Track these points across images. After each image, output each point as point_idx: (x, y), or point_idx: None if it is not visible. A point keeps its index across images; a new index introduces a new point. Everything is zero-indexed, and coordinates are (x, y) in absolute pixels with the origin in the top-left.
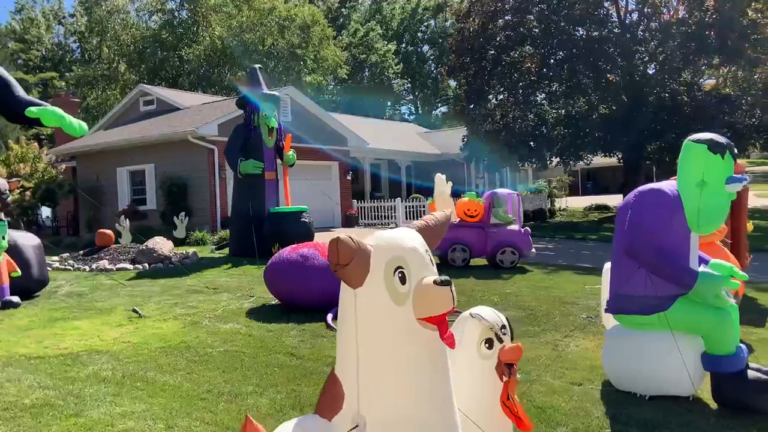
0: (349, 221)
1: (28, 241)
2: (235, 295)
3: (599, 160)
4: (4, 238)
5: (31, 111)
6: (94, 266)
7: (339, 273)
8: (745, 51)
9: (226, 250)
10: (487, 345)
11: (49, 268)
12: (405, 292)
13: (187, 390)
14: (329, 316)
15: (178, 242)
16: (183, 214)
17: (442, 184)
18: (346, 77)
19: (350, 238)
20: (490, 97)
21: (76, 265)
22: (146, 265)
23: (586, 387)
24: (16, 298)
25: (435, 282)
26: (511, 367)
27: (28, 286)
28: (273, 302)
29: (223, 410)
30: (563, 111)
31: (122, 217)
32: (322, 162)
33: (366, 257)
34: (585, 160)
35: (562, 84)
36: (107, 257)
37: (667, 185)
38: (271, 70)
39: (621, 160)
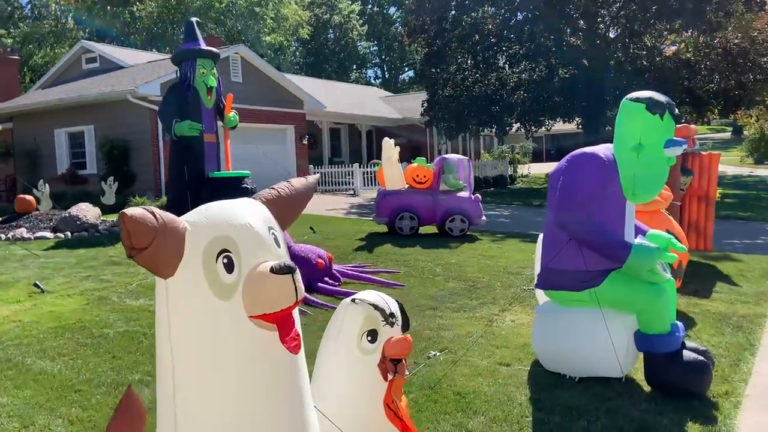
0: None
1: None
2: None
3: (561, 126)
4: None
5: None
6: (10, 235)
7: (138, 259)
8: (706, 14)
9: None
10: (369, 338)
11: None
12: (232, 282)
13: (64, 379)
14: None
15: (110, 209)
16: (112, 179)
17: (389, 148)
18: (308, 38)
19: (152, 212)
20: (450, 60)
21: None
22: (68, 233)
23: (513, 368)
24: None
25: (272, 269)
26: (398, 363)
27: None
28: None
29: (96, 404)
30: (524, 75)
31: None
32: (276, 126)
33: (176, 238)
34: (546, 126)
35: (522, 47)
36: (26, 225)
37: (602, 149)
38: (228, 29)
39: (579, 126)
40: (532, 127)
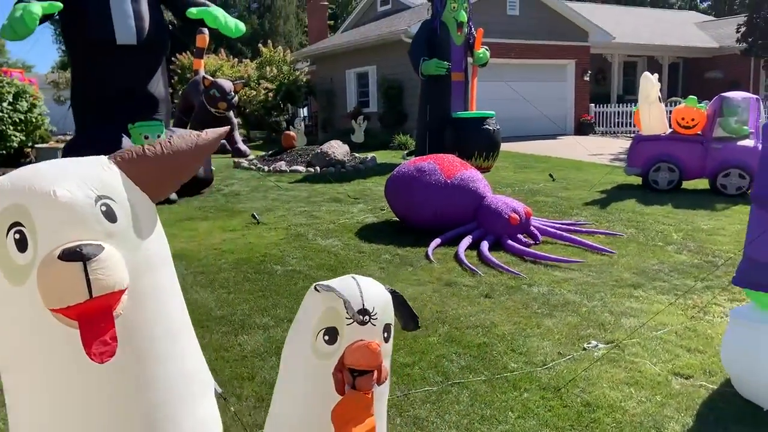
0: (582, 128)
1: None
2: (370, 206)
3: None
4: (159, 137)
5: (191, 12)
6: (271, 167)
7: None
8: None
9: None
10: (327, 337)
11: (238, 167)
12: (24, 264)
13: (202, 312)
14: (432, 245)
15: (360, 147)
16: (362, 117)
17: (648, 85)
18: None
19: None
20: None
21: (258, 165)
22: (317, 168)
23: (694, 383)
24: (173, 195)
25: (60, 255)
26: (359, 376)
27: (192, 184)
28: (395, 218)
29: (204, 345)
30: None
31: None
32: (554, 61)
33: None
34: None
35: None
36: (287, 159)
37: None
38: None
39: None
40: None
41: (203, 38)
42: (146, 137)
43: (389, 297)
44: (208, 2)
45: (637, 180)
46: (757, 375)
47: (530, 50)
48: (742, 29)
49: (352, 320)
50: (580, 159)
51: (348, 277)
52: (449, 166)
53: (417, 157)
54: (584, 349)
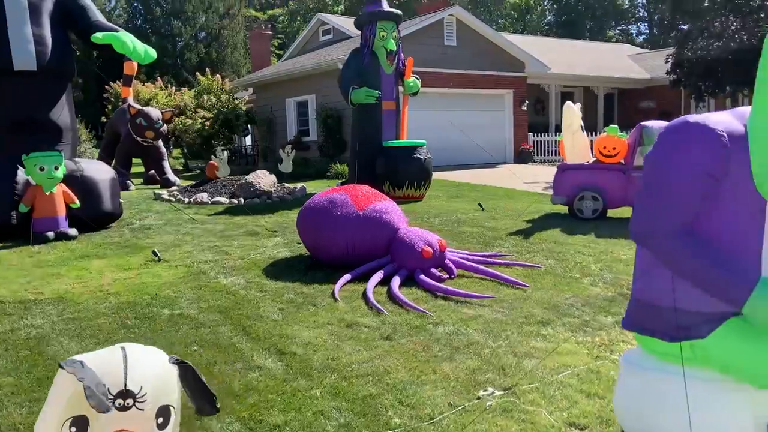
0: (521, 157)
1: (98, 173)
2: (287, 240)
3: None
4: (57, 168)
5: (97, 37)
6: (192, 199)
7: None
8: None
9: None
10: (74, 429)
11: (158, 198)
12: None
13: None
14: (339, 283)
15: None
16: (290, 147)
17: (571, 115)
18: None
19: None
20: (705, 4)
21: (178, 197)
22: (242, 199)
23: None
24: (72, 230)
25: None
26: None
27: (97, 217)
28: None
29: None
30: None
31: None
32: (492, 91)
33: None
34: None
35: None
36: (210, 190)
37: (723, 117)
38: None
39: None
40: None
41: (131, 65)
42: (42, 169)
43: (172, 371)
44: (116, 27)
45: (565, 209)
46: (645, 426)
47: (468, 80)
48: (671, 61)
49: (96, 408)
50: (514, 188)
51: (117, 347)
52: (362, 198)
53: (330, 188)
54: (478, 397)
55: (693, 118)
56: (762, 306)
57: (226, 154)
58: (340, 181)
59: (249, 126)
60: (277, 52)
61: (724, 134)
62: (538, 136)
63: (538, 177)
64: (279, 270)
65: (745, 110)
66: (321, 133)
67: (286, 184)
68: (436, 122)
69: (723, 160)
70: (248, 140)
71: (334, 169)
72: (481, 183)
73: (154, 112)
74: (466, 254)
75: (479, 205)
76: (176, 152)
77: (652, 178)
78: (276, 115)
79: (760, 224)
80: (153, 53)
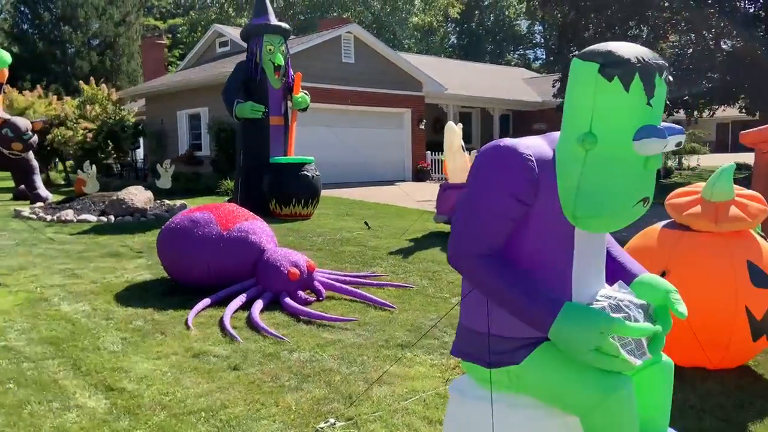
0: (419, 175)
1: None
2: (152, 261)
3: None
4: None
5: None
6: (56, 216)
7: None
8: None
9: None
10: None
11: (18, 216)
12: None
13: None
14: (195, 308)
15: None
16: (168, 162)
17: (451, 134)
18: (459, 17)
19: None
20: (587, 34)
21: (40, 214)
22: (111, 217)
23: None
24: None
25: None
26: None
27: None
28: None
29: None
30: (676, 50)
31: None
32: (391, 109)
33: None
34: (707, 111)
35: (670, 14)
36: (78, 207)
37: (535, 141)
38: (377, 11)
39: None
40: (695, 112)
41: (1, 73)
42: None
43: None
44: None
45: (447, 228)
46: None
47: (367, 98)
48: (558, 85)
49: None
50: (405, 206)
51: None
52: (227, 217)
53: (192, 208)
54: (316, 430)
55: (504, 142)
56: (565, 331)
57: (94, 168)
58: (227, 198)
59: (140, 139)
60: (178, 62)
61: (533, 159)
62: (435, 154)
63: (433, 195)
64: (133, 295)
65: (557, 135)
66: (214, 147)
67: (167, 201)
68: (337, 139)
69: (531, 184)
70: (139, 154)
71: (225, 185)
72: (374, 201)
73: (22, 122)
74: (338, 275)
75: (365, 223)
76: (61, 166)
77: (464, 200)
78: (167, 128)
79: (568, 248)
80: (8, 57)
